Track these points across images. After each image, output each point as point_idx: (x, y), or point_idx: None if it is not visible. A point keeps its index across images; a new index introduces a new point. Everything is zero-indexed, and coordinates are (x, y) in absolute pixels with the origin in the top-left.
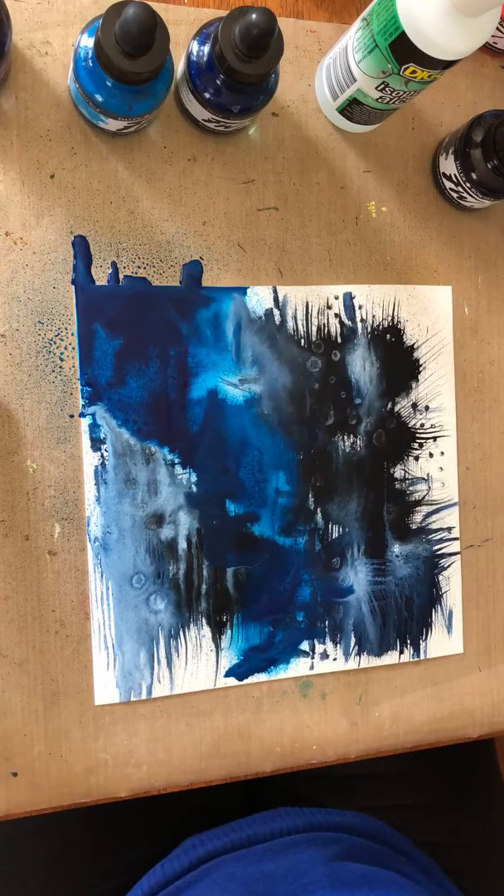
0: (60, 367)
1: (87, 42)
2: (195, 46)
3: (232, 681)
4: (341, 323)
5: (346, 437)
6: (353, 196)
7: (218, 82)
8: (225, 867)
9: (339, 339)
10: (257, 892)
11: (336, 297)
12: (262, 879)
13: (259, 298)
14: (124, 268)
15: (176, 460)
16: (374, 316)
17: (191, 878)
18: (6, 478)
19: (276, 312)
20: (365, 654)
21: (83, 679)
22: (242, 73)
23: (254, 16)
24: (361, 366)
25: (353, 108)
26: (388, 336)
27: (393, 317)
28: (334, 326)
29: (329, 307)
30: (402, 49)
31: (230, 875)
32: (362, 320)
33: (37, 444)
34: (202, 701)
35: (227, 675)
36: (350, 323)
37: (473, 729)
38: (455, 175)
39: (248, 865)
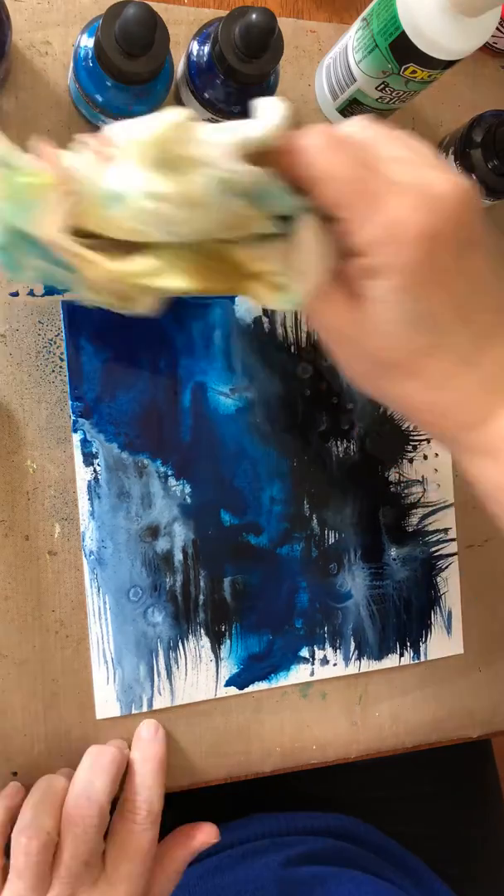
0: (60, 367)
1: (87, 42)
2: (195, 46)
3: (233, 690)
4: None
5: (339, 443)
6: None
7: (218, 82)
8: (184, 877)
9: None
10: None
11: None
12: (214, 894)
13: (248, 306)
14: None
15: (169, 472)
16: None
17: None
18: (6, 478)
19: (265, 320)
20: (365, 658)
21: (83, 679)
22: (242, 73)
23: (254, 16)
24: None
25: (353, 108)
26: None
27: None
28: None
29: None
30: (402, 49)
31: (182, 886)
32: None
33: (37, 444)
34: (202, 701)
35: (228, 684)
36: None
37: (473, 729)
38: None
39: (207, 878)
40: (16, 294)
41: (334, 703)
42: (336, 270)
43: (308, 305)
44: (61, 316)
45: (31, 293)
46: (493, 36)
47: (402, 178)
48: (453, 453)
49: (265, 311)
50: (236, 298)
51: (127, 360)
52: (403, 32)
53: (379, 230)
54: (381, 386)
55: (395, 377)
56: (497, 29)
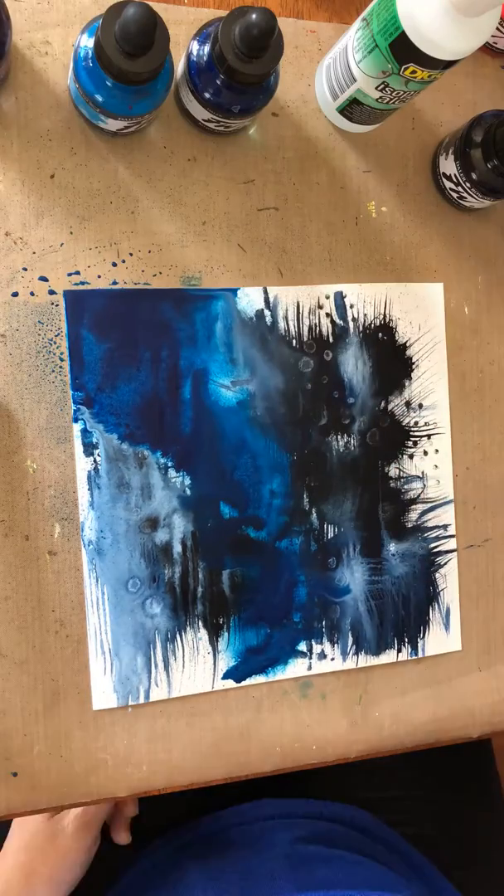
0: (60, 367)
1: (87, 42)
2: (195, 46)
3: (230, 683)
4: (333, 322)
5: (339, 437)
6: (353, 196)
7: (218, 82)
8: (193, 849)
9: (330, 339)
10: (220, 881)
11: (327, 297)
12: (230, 863)
13: (250, 300)
14: (125, 268)
15: (169, 464)
16: (365, 315)
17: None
18: (6, 478)
19: (268, 313)
20: (363, 653)
21: (83, 679)
22: (242, 73)
23: (254, 16)
24: (354, 365)
25: (353, 108)
26: (380, 334)
27: (384, 315)
28: (326, 326)
29: (320, 307)
30: (402, 49)
31: (192, 855)
32: (354, 319)
33: (37, 444)
34: (202, 701)
35: (225, 677)
36: (341, 322)
37: (473, 729)
38: (455, 175)
39: (218, 849)
40: (16, 294)
41: (334, 703)
42: None
43: None
44: (63, 305)
45: (32, 293)
46: (493, 36)
47: None
48: None
49: (267, 304)
50: (238, 292)
51: (128, 350)
52: (403, 32)
53: None
54: None
55: None
56: (497, 29)
